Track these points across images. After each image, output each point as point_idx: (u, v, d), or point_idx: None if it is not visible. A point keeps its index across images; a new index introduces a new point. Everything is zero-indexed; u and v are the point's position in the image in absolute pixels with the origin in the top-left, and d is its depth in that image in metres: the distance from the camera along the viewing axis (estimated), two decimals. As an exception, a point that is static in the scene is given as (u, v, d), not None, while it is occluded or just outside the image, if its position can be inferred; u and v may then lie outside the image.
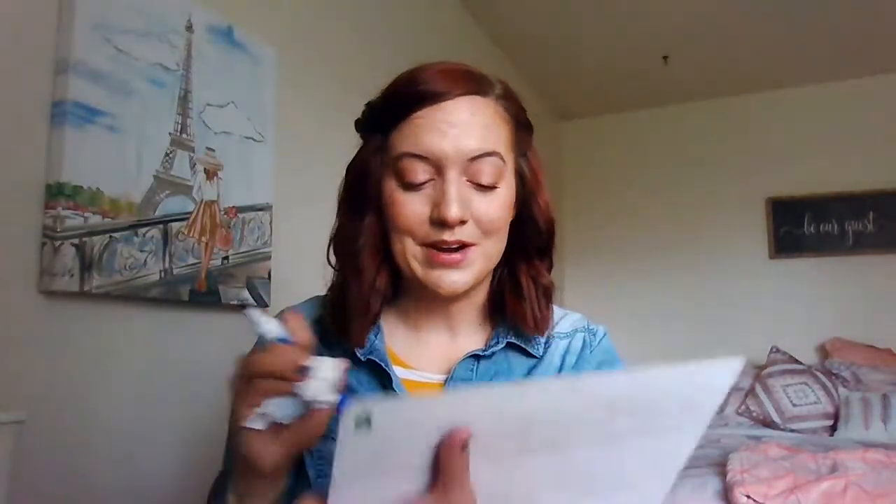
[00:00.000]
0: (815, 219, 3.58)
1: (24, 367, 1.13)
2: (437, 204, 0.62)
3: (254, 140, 1.64)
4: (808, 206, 3.59)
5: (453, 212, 0.61)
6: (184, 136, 1.44)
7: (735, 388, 3.21)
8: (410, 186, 0.63)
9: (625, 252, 3.93)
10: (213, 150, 1.52)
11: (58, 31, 1.20)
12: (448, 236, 0.62)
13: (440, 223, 0.62)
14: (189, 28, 1.47)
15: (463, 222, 0.62)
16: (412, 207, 0.63)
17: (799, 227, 3.60)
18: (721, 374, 0.47)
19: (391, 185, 0.64)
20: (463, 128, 0.62)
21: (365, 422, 0.39)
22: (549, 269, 0.72)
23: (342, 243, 0.69)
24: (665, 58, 3.36)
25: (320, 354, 0.66)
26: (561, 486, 0.47)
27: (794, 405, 2.96)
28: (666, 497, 0.53)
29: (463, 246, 0.63)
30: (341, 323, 0.66)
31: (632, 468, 0.49)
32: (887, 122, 3.47)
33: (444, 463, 0.42)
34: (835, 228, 3.54)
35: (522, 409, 0.42)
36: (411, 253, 0.64)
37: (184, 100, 1.44)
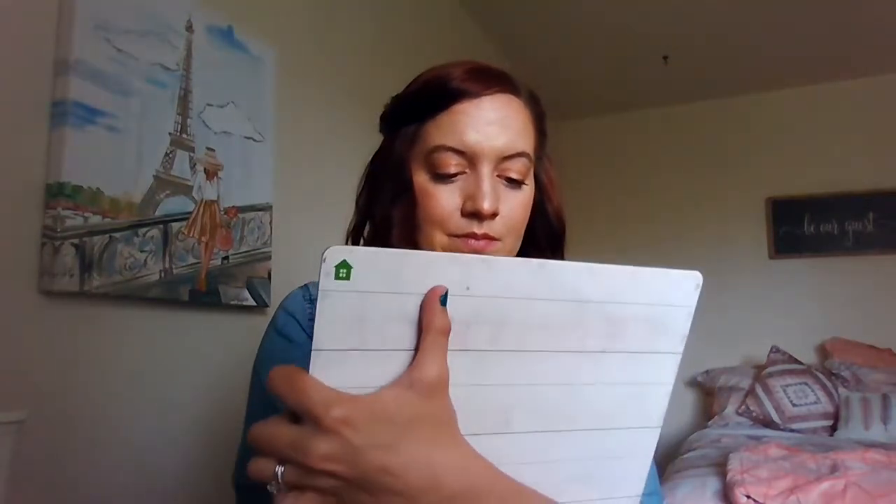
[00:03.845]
0: (815, 219, 3.58)
1: (24, 367, 1.13)
2: (472, 196, 0.63)
3: (254, 140, 1.64)
4: (808, 206, 3.59)
5: (488, 205, 0.62)
6: (184, 136, 1.44)
7: (735, 388, 3.22)
8: (443, 178, 0.64)
9: (624, 253, 3.93)
10: (213, 150, 1.52)
11: (58, 31, 1.20)
12: (477, 229, 0.63)
13: (473, 215, 0.63)
14: (189, 28, 1.47)
15: (494, 215, 0.63)
16: (444, 198, 0.64)
17: (799, 227, 3.60)
18: (683, 288, 0.47)
19: (422, 176, 0.65)
20: (499, 126, 0.64)
21: (344, 268, 0.38)
22: None
23: (373, 237, 0.69)
24: (665, 58, 3.36)
25: None
26: (538, 408, 0.46)
27: (794, 405, 2.96)
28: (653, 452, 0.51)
29: (487, 240, 0.64)
30: None
31: (612, 401, 0.48)
32: (887, 122, 3.47)
33: (424, 320, 0.41)
34: (835, 228, 3.54)
35: (492, 284, 0.42)
36: (439, 244, 0.64)
37: (184, 100, 1.45)
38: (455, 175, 0.64)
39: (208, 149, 1.50)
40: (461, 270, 0.42)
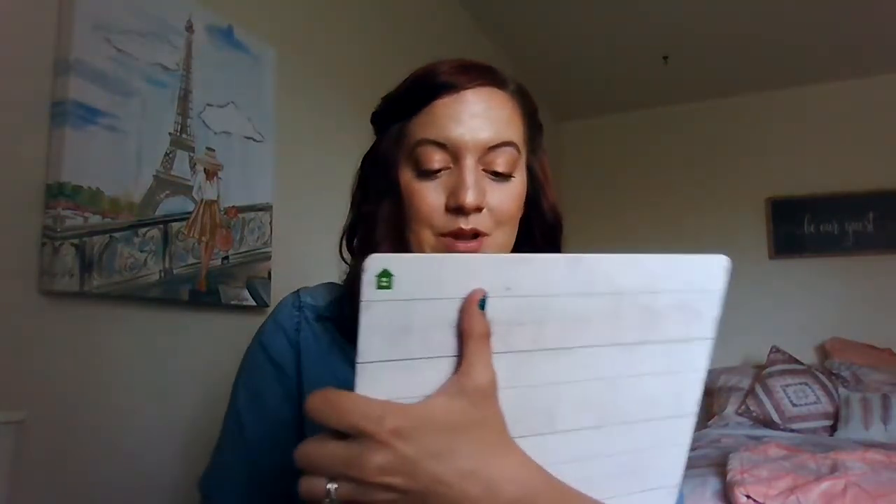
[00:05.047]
0: (815, 219, 3.58)
1: (24, 367, 1.13)
2: (454, 191, 0.61)
3: (254, 140, 1.64)
4: (808, 206, 3.59)
5: (471, 198, 0.60)
6: (184, 136, 1.44)
7: (735, 388, 3.22)
8: (427, 174, 0.63)
9: (624, 252, 3.93)
10: (213, 150, 1.52)
11: (58, 31, 1.20)
12: (464, 224, 0.61)
13: (457, 210, 0.61)
14: (189, 28, 1.47)
15: (479, 209, 0.62)
16: (429, 196, 0.63)
17: (799, 227, 3.60)
18: (711, 271, 0.48)
19: (408, 174, 0.64)
20: (482, 118, 0.63)
21: (385, 277, 0.38)
22: None
23: (360, 235, 0.69)
24: (665, 58, 3.36)
25: (332, 347, 0.66)
26: (581, 405, 0.46)
27: (794, 405, 2.96)
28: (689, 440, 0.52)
29: (477, 235, 0.63)
30: (353, 312, 0.66)
31: (650, 392, 0.48)
32: (887, 122, 3.47)
33: (464, 326, 0.41)
34: (835, 228, 3.54)
35: (531, 282, 0.42)
36: (428, 243, 0.63)
37: (184, 100, 1.44)
38: (439, 171, 0.63)
39: (208, 149, 1.50)
40: (500, 271, 0.42)
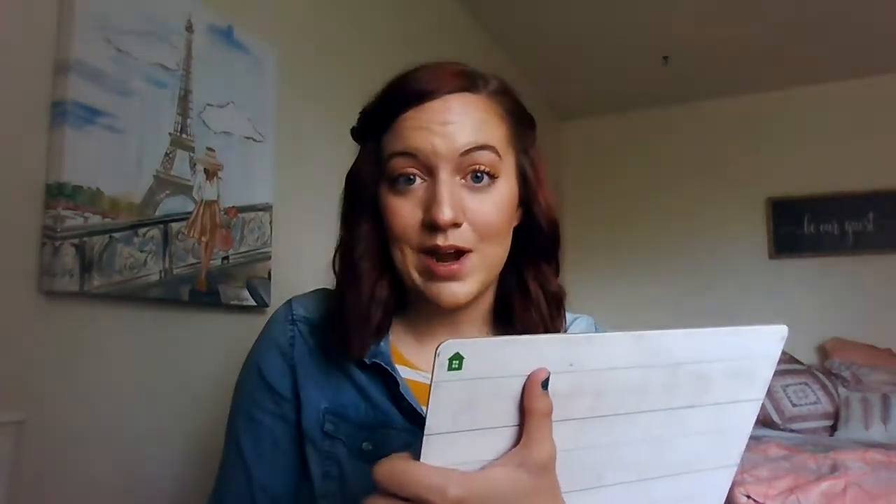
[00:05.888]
0: (815, 219, 3.58)
1: (24, 367, 1.13)
2: (429, 207, 0.59)
3: (254, 140, 1.64)
4: (808, 206, 3.59)
5: (445, 214, 0.58)
6: (184, 136, 1.44)
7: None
8: (402, 189, 0.61)
9: (625, 252, 3.93)
10: (213, 150, 1.52)
11: (58, 31, 1.20)
12: (441, 241, 0.59)
13: (432, 226, 0.59)
14: (189, 28, 1.46)
15: (456, 225, 0.59)
16: (405, 213, 0.61)
17: (799, 227, 3.60)
18: (768, 341, 0.49)
19: (385, 191, 0.63)
20: (453, 125, 0.60)
21: (457, 360, 0.40)
22: (557, 273, 0.69)
23: (342, 254, 0.67)
24: (665, 58, 3.36)
25: (329, 360, 0.66)
26: (629, 463, 0.47)
27: (794, 405, 2.96)
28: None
29: (460, 253, 0.60)
30: (341, 334, 0.64)
31: (696, 448, 0.50)
32: (887, 122, 3.47)
33: (527, 405, 0.42)
34: (835, 228, 3.54)
35: (594, 358, 0.44)
36: (411, 262, 0.61)
37: (184, 100, 1.44)
38: (413, 185, 0.61)
39: (208, 149, 1.50)
40: (565, 349, 0.43)
